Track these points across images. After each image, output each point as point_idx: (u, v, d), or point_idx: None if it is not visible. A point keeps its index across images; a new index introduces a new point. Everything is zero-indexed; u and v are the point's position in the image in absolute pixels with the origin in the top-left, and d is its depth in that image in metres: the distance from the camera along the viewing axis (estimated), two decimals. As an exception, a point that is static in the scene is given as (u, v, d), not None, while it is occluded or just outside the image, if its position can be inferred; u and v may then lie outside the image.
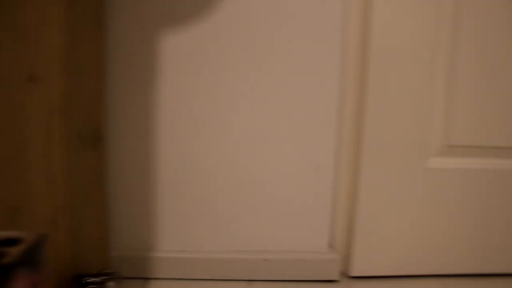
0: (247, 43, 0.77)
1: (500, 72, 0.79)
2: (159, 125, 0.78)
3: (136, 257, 0.80)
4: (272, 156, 0.80)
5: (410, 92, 0.78)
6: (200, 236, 0.82)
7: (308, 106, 0.79)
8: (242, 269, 0.81)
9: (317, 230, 0.83)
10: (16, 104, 0.50)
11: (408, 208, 0.82)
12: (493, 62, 0.79)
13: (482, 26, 0.77)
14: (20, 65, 0.51)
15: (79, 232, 0.66)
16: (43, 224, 0.58)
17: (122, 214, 0.80)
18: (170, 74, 0.77)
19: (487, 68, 0.79)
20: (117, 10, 0.75)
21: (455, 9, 0.77)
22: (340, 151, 0.82)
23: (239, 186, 0.80)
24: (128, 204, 0.80)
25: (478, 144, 0.80)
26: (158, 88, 0.77)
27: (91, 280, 0.64)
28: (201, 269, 0.81)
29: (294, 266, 0.81)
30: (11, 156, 0.49)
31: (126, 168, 0.79)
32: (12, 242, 0.38)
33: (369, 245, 0.83)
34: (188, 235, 0.82)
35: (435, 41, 0.77)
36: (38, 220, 0.56)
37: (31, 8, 0.51)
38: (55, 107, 0.58)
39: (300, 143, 0.80)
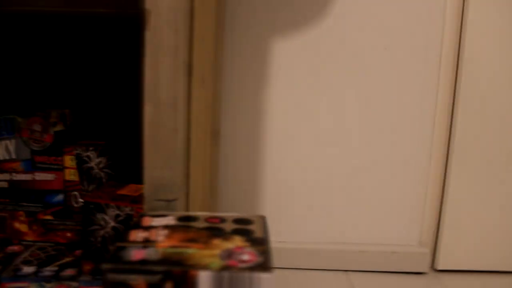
0: (347, 50, 0.83)
1: None
2: (265, 124, 0.84)
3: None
4: (368, 155, 0.86)
5: (499, 99, 0.84)
6: (299, 228, 0.88)
7: (404, 109, 0.85)
8: (340, 260, 0.87)
9: (409, 225, 0.89)
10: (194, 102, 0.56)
11: (493, 208, 0.88)
12: None
13: None
14: (199, 70, 0.57)
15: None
16: (199, 209, 0.64)
17: (227, 206, 0.86)
18: (276, 78, 0.83)
19: None
20: (231, 18, 0.81)
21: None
22: (431, 152, 0.88)
23: (337, 184, 0.86)
24: (232, 197, 0.86)
25: None
26: (267, 90, 0.83)
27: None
28: (301, 259, 0.87)
29: (387, 258, 0.87)
30: (184, 148, 0.55)
31: (237, 163, 0.85)
32: (242, 221, 0.44)
33: (454, 241, 0.89)
34: (288, 227, 0.88)
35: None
36: (197, 205, 0.62)
37: (206, 20, 0.57)
38: (209, 106, 0.65)
39: (395, 143, 0.86)
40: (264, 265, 0.34)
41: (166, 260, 0.34)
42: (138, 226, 0.41)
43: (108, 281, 0.33)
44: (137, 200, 0.52)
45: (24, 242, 0.62)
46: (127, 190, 0.56)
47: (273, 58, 0.82)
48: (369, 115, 0.85)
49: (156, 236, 0.38)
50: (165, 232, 0.39)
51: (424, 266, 0.88)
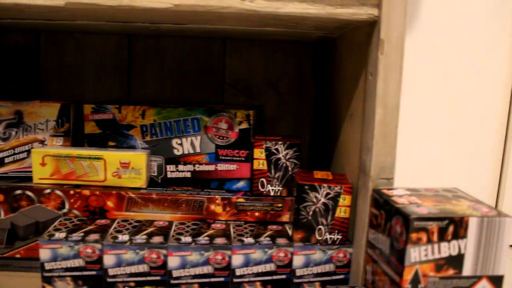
0: (426, 60, 1.03)
1: None
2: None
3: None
4: (442, 145, 1.06)
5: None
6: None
7: (470, 108, 1.06)
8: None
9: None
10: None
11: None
12: None
13: None
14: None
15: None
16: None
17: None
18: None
19: None
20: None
21: None
22: (491, 140, 1.09)
23: (421, 169, 1.06)
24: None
25: None
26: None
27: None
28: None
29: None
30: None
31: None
32: (449, 191, 0.61)
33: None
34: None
35: None
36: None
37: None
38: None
39: (462, 137, 1.07)
40: (504, 214, 0.52)
41: (443, 212, 0.52)
42: (386, 195, 0.58)
43: (414, 227, 0.50)
44: (343, 181, 0.69)
45: (219, 222, 0.77)
46: (320, 175, 0.72)
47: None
48: (444, 113, 1.05)
49: (412, 200, 0.56)
50: (414, 198, 0.57)
51: (486, 237, 1.09)
